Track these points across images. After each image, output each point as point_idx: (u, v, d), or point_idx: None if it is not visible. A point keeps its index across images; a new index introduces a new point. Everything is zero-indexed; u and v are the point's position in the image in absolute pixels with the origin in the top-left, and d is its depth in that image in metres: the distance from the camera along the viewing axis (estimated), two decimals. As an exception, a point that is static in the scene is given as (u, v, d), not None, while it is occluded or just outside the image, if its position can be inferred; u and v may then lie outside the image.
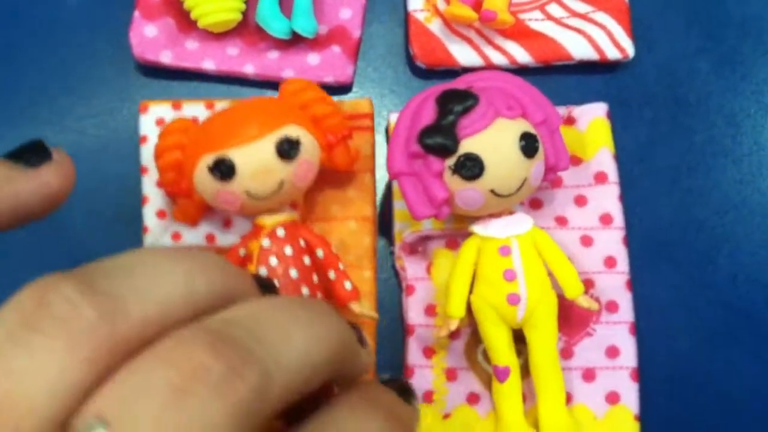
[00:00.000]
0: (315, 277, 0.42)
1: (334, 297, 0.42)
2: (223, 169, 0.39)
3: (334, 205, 0.46)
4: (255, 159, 0.39)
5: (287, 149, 0.39)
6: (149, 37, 0.49)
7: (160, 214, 0.46)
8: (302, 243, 0.42)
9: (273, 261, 0.40)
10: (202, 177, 0.40)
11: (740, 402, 0.45)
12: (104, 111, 0.50)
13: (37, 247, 0.45)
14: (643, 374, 0.43)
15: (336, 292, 0.42)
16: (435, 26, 0.50)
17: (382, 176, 0.48)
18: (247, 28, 0.50)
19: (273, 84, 0.47)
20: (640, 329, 0.44)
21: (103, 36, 0.51)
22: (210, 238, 0.45)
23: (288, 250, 0.41)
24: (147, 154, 0.47)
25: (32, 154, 0.29)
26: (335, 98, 0.45)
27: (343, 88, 0.50)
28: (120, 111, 0.50)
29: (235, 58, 0.49)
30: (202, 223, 0.45)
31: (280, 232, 0.41)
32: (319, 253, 0.42)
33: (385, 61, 0.51)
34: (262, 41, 0.50)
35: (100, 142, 0.49)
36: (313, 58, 0.49)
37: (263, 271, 0.40)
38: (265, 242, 0.41)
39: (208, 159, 0.39)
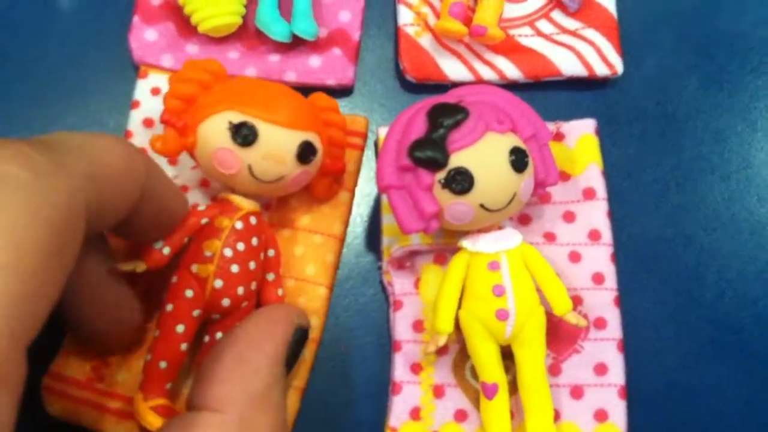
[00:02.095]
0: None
1: (262, 297, 0.43)
2: (246, 134, 0.39)
3: (306, 215, 0.46)
4: (276, 144, 0.39)
5: (307, 153, 0.40)
6: (149, 41, 0.49)
7: None
8: (262, 239, 0.42)
9: (240, 246, 0.40)
10: (215, 128, 0.39)
11: (729, 419, 0.44)
12: (96, 120, 0.49)
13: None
14: (631, 391, 0.43)
15: (266, 293, 0.43)
16: (425, 41, 0.50)
17: (370, 191, 0.48)
18: (246, 32, 0.50)
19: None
20: (628, 346, 0.43)
21: (96, 43, 0.51)
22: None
23: (254, 241, 0.41)
24: (136, 119, 0.47)
25: None
26: (337, 98, 0.46)
27: (344, 91, 0.50)
28: (108, 121, 0.49)
29: (236, 61, 0.49)
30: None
31: (253, 220, 0.41)
32: (270, 252, 0.42)
33: (374, 75, 0.51)
34: (262, 45, 0.50)
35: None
36: (314, 61, 0.49)
37: (228, 252, 0.40)
38: (238, 224, 0.40)
39: (234, 116, 0.39)
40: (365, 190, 0.48)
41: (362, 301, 0.46)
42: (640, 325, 0.45)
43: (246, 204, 0.41)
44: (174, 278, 0.40)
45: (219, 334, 0.41)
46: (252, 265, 0.40)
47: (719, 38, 0.52)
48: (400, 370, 0.43)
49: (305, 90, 0.45)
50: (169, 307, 0.40)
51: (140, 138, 0.46)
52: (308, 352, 0.43)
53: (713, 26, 0.52)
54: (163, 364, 0.39)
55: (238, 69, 0.49)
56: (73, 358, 0.42)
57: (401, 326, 0.44)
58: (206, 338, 0.41)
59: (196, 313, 0.39)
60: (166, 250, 0.39)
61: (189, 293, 0.39)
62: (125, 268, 0.39)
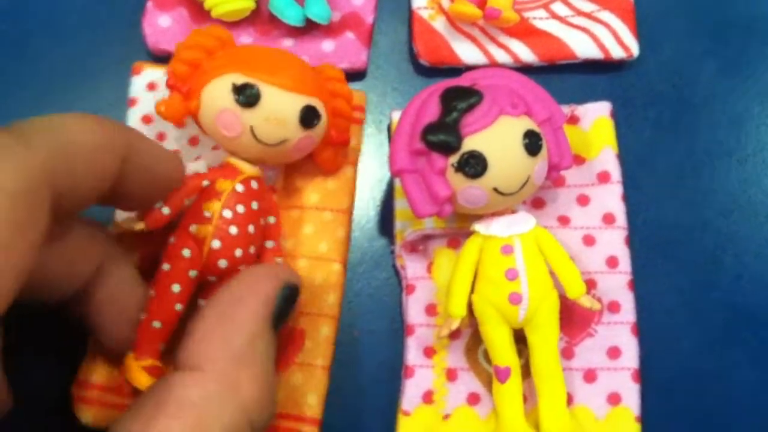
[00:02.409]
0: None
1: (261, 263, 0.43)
2: (248, 94, 0.39)
3: (313, 194, 0.46)
4: (279, 107, 0.39)
5: (310, 117, 0.40)
6: (163, 27, 0.49)
7: None
8: (263, 204, 0.42)
9: (240, 208, 0.40)
10: (218, 90, 0.39)
11: (743, 403, 0.44)
12: (105, 108, 0.49)
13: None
14: (644, 375, 0.43)
15: (265, 260, 0.43)
16: (439, 24, 0.49)
17: (382, 175, 0.48)
18: (260, 17, 0.50)
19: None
20: (642, 330, 0.43)
21: (104, 35, 0.51)
22: None
23: (254, 205, 0.41)
24: (134, 116, 0.47)
25: None
26: (351, 82, 0.47)
27: (358, 74, 0.50)
28: (120, 107, 0.49)
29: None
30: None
31: (254, 185, 0.41)
32: (271, 219, 0.42)
33: (388, 59, 0.51)
34: (275, 29, 0.50)
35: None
36: (327, 45, 0.49)
37: (227, 214, 0.40)
38: (239, 187, 0.40)
39: (237, 78, 0.39)
40: (377, 174, 0.48)
41: (375, 285, 0.46)
42: (655, 309, 0.45)
43: (248, 168, 0.41)
44: (172, 239, 0.40)
45: None
46: (251, 228, 0.40)
47: (735, 21, 0.51)
48: (412, 354, 0.43)
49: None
50: (166, 266, 0.39)
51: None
52: (329, 330, 0.44)
53: (730, 9, 0.52)
54: (156, 324, 0.39)
55: None
56: (99, 364, 0.42)
57: (414, 310, 0.44)
58: (201, 302, 0.41)
59: (192, 273, 0.39)
60: (166, 210, 0.39)
61: (186, 253, 0.39)
62: (124, 225, 0.39)
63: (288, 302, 0.37)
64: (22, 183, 0.27)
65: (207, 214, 0.39)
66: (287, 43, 0.49)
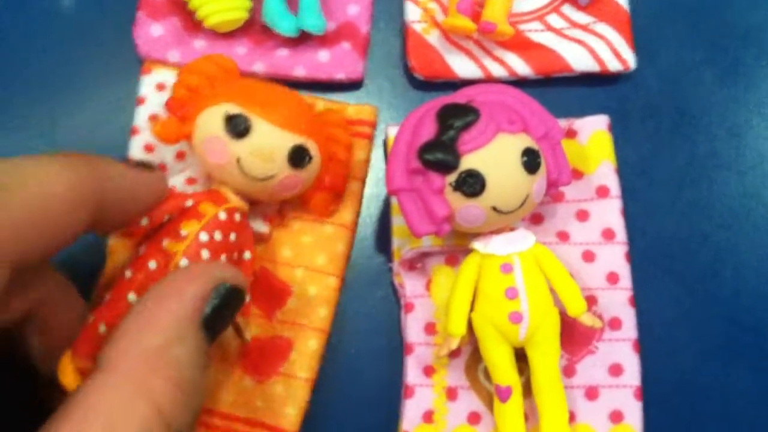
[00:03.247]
0: None
1: None
2: (239, 124, 0.39)
3: None
4: (269, 142, 0.39)
5: (299, 156, 0.40)
6: (154, 36, 0.49)
7: None
8: (241, 238, 0.41)
9: (217, 235, 0.40)
10: (212, 117, 0.39)
11: (745, 419, 0.44)
12: (93, 123, 0.49)
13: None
14: (646, 391, 0.42)
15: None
16: (433, 38, 0.49)
17: (379, 192, 0.48)
18: (254, 27, 0.49)
19: (286, 83, 0.45)
20: (643, 346, 0.43)
21: (95, 47, 0.50)
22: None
23: (233, 236, 0.40)
24: (142, 115, 0.46)
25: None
26: (345, 95, 0.47)
27: (352, 87, 0.50)
28: (109, 124, 0.49)
29: (244, 57, 0.49)
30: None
31: (237, 217, 0.41)
32: (246, 255, 0.42)
33: (382, 73, 0.50)
34: (270, 40, 0.49)
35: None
36: (323, 55, 0.49)
37: (204, 237, 0.39)
38: (222, 215, 0.40)
39: (232, 108, 0.39)
40: (375, 191, 0.48)
41: (372, 303, 0.46)
42: (655, 324, 0.45)
43: (235, 199, 0.41)
44: (142, 248, 0.40)
45: None
46: (223, 257, 0.40)
47: (733, 32, 0.51)
48: (412, 373, 0.43)
49: (315, 85, 0.45)
50: (128, 273, 0.39)
51: (147, 134, 0.46)
52: (318, 344, 0.43)
53: (727, 20, 0.51)
54: (102, 328, 0.37)
55: (246, 64, 0.48)
56: None
57: (413, 329, 0.44)
58: None
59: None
60: (144, 221, 0.39)
61: (152, 265, 0.39)
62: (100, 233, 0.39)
63: (226, 303, 0.34)
64: None
65: (183, 232, 0.39)
66: (282, 53, 0.49)
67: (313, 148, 0.40)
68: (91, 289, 0.43)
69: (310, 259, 0.45)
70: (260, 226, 0.44)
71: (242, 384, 0.43)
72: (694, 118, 0.49)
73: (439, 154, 0.37)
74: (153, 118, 0.46)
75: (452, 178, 0.37)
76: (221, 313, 0.34)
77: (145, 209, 0.39)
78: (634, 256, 0.44)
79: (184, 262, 0.39)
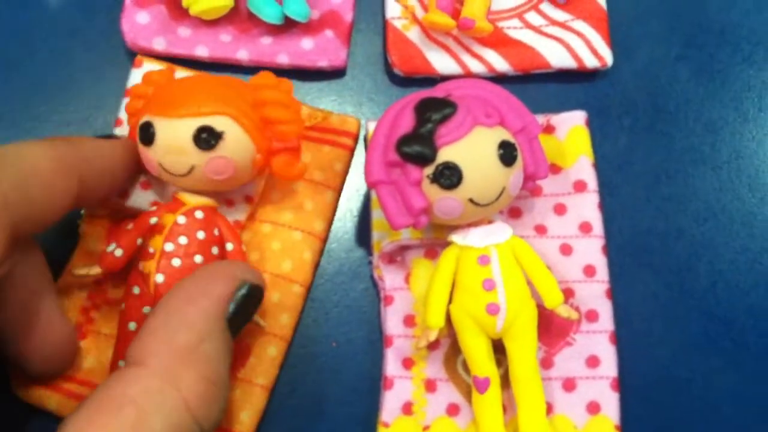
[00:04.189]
0: None
1: None
2: (146, 133, 0.39)
3: (288, 211, 0.45)
4: (171, 136, 0.39)
5: (204, 138, 0.39)
6: (141, 24, 0.49)
7: None
8: (216, 233, 0.41)
9: (182, 240, 0.40)
10: (138, 134, 0.40)
11: (721, 410, 0.44)
12: (80, 119, 0.49)
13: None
14: (623, 384, 0.43)
15: None
16: (413, 34, 0.49)
17: (359, 186, 0.48)
18: (239, 15, 0.50)
19: (269, 70, 0.45)
20: (619, 338, 0.43)
21: (81, 43, 0.51)
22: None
23: (200, 234, 0.41)
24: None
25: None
26: (327, 87, 0.48)
27: (336, 72, 0.50)
28: (96, 120, 0.49)
29: (228, 44, 0.49)
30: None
31: (199, 215, 0.41)
32: (229, 246, 0.42)
33: (363, 70, 0.51)
34: (255, 27, 0.49)
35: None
36: (306, 43, 0.49)
37: (169, 247, 0.40)
38: (181, 219, 0.40)
39: (143, 119, 0.40)
40: (355, 185, 0.48)
41: (353, 296, 0.46)
42: (632, 317, 0.45)
43: (191, 199, 0.41)
44: (127, 278, 0.41)
45: None
46: (198, 258, 0.40)
47: (709, 28, 0.52)
48: (391, 365, 0.43)
49: (298, 72, 0.45)
50: (123, 305, 0.40)
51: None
52: (277, 351, 0.43)
53: (703, 16, 0.52)
54: (122, 363, 0.39)
55: (231, 52, 0.49)
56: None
57: (392, 321, 0.44)
58: None
59: (146, 309, 0.40)
60: (118, 252, 0.40)
61: (136, 290, 0.40)
62: (80, 272, 0.40)
63: (249, 301, 0.36)
64: None
65: (151, 250, 0.40)
66: (266, 41, 0.49)
67: (221, 123, 0.39)
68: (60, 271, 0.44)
69: (276, 264, 0.45)
70: (236, 215, 0.44)
71: None
72: (671, 114, 0.50)
73: (416, 147, 0.38)
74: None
75: (429, 170, 0.38)
76: (244, 311, 0.35)
77: (121, 177, 0.40)
78: (611, 250, 0.45)
79: (160, 278, 0.39)
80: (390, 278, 0.45)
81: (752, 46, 0.51)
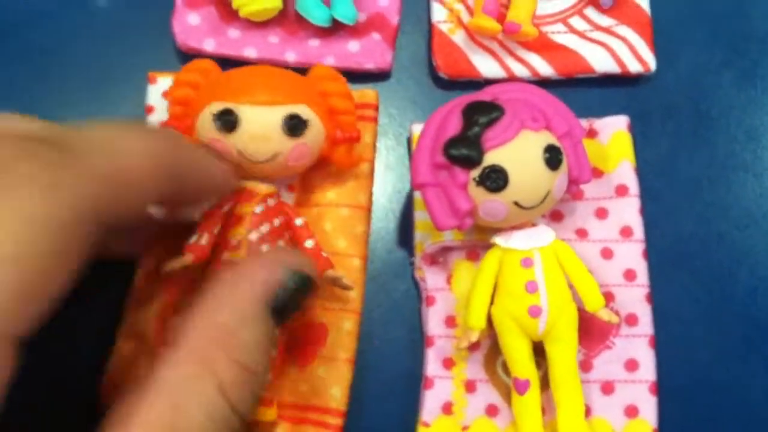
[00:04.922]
0: None
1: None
2: (227, 121, 0.40)
3: (330, 191, 0.46)
4: (260, 122, 0.40)
5: (294, 125, 0.40)
6: (192, 25, 0.50)
7: None
8: (282, 219, 0.42)
9: (264, 228, 0.41)
10: (204, 121, 0.41)
11: (760, 415, 0.44)
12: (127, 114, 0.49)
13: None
14: (661, 388, 0.43)
15: (314, 260, 0.42)
16: (458, 38, 0.50)
17: (401, 187, 0.48)
18: (287, 17, 0.50)
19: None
20: (659, 342, 0.44)
21: (130, 44, 0.51)
22: None
23: (276, 222, 0.41)
24: (153, 123, 0.47)
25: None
26: (372, 86, 0.48)
27: (382, 75, 0.51)
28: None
29: (276, 45, 0.50)
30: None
31: (271, 202, 0.42)
32: (298, 222, 0.43)
33: (407, 73, 0.51)
34: (302, 29, 0.50)
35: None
36: (353, 46, 0.50)
37: (254, 236, 0.40)
38: (258, 208, 0.41)
39: (216, 106, 0.40)
40: (397, 186, 0.48)
41: (394, 296, 0.46)
42: (672, 322, 0.45)
43: (262, 188, 0.42)
44: (211, 267, 0.41)
45: None
46: (280, 243, 0.41)
47: (752, 35, 0.52)
48: (432, 365, 0.44)
49: (344, 74, 0.45)
50: None
51: None
52: (352, 325, 0.44)
53: (746, 23, 0.52)
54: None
55: (279, 53, 0.49)
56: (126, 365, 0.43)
57: (433, 322, 0.44)
58: None
59: None
60: (204, 239, 0.40)
61: None
62: (173, 266, 0.40)
63: (295, 292, 0.34)
64: (67, 212, 0.27)
65: (234, 241, 0.40)
66: (313, 43, 0.50)
67: (305, 112, 0.41)
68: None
69: (332, 244, 0.45)
70: (287, 198, 0.45)
71: (286, 372, 0.43)
72: (713, 119, 0.50)
73: (463, 150, 0.38)
74: (163, 125, 0.47)
75: (476, 173, 0.38)
76: (291, 300, 0.34)
77: (212, 193, 0.40)
78: (651, 255, 0.45)
79: None
80: (432, 279, 0.45)
81: (795, 53, 0.51)
